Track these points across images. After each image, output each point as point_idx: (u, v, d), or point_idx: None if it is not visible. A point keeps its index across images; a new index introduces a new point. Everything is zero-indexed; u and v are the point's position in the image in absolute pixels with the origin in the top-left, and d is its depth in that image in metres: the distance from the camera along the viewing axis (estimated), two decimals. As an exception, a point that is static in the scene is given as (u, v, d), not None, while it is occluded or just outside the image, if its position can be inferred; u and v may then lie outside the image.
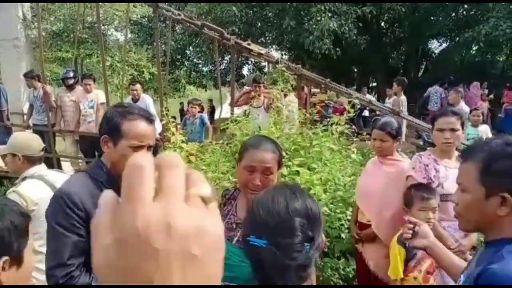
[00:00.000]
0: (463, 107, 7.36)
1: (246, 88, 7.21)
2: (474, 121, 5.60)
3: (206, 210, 0.41)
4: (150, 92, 15.36)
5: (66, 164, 7.38)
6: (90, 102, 6.80)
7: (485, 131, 5.82)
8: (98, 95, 6.86)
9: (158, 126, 5.94)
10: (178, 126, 4.91)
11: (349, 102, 4.66)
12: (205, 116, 7.51)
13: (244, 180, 1.81)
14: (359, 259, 3.16)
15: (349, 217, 3.49)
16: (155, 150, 1.77)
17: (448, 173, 2.68)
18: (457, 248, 2.58)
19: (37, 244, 2.66)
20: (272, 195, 1.15)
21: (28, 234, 1.30)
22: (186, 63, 18.76)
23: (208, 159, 4.04)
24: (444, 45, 19.80)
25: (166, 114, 5.02)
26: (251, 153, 1.81)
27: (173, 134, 4.39)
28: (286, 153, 3.71)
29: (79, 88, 6.98)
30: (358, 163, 4.26)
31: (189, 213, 0.38)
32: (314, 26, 12.09)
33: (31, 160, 2.82)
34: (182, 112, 16.79)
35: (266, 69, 12.22)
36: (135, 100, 6.82)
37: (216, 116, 12.54)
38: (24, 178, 2.76)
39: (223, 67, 17.49)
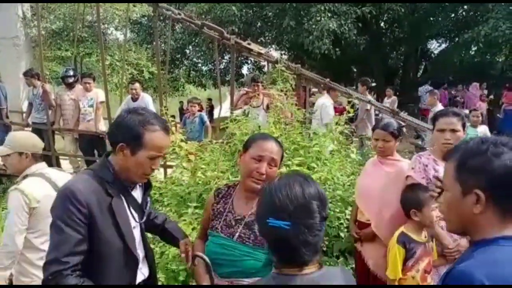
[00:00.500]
0: (438, 108, 7.39)
1: (243, 89, 7.21)
2: (473, 122, 5.61)
3: None
4: (150, 91, 15.37)
5: (65, 163, 7.38)
6: (89, 101, 6.81)
7: (484, 131, 5.83)
8: (97, 94, 6.87)
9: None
10: (178, 125, 4.91)
11: (349, 102, 4.68)
12: (205, 115, 7.52)
13: (250, 169, 1.87)
14: (358, 258, 3.16)
15: (348, 216, 3.50)
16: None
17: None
18: (455, 247, 2.60)
19: (38, 241, 2.66)
20: (288, 182, 1.28)
21: None
22: (185, 62, 18.75)
23: (208, 158, 4.05)
24: (443, 45, 19.82)
25: (166, 113, 5.02)
26: (260, 143, 1.91)
27: (173, 133, 4.40)
28: (286, 153, 3.72)
29: (78, 87, 6.99)
30: (358, 163, 4.28)
31: None
32: (313, 26, 12.09)
33: (36, 158, 2.83)
34: (181, 111, 16.78)
35: (265, 69, 12.23)
36: (135, 99, 6.83)
37: (216, 115, 12.55)
38: (25, 176, 2.75)
39: (223, 67, 17.49)
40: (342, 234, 3.53)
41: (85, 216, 1.64)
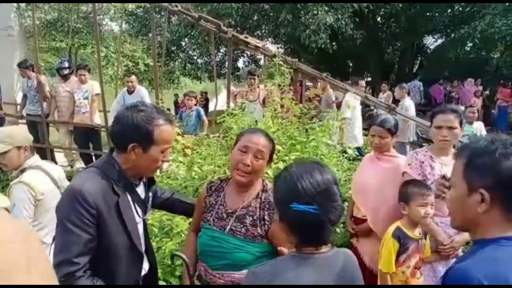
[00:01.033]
0: (406, 102, 7.41)
1: (234, 90, 7.20)
2: (469, 118, 5.63)
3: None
4: (145, 83, 15.28)
5: (59, 155, 7.33)
6: (84, 93, 6.75)
7: (479, 128, 5.85)
8: (93, 86, 6.81)
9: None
10: (173, 119, 4.89)
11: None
12: (201, 109, 7.49)
13: (236, 160, 1.90)
14: (353, 253, 3.17)
15: (344, 212, 3.51)
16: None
17: (444, 170, 2.69)
18: (449, 244, 2.62)
19: (42, 234, 2.68)
20: (307, 169, 1.39)
21: None
22: (181, 54, 18.64)
23: (204, 152, 4.04)
24: (439, 41, 19.87)
25: (162, 106, 5.00)
26: (247, 136, 1.96)
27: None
28: (282, 148, 3.72)
29: (73, 79, 6.93)
30: (354, 158, 4.28)
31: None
32: (310, 20, 12.06)
33: (32, 151, 2.85)
34: (176, 104, 16.70)
35: (262, 62, 12.18)
36: (131, 91, 6.78)
37: (211, 108, 12.50)
38: (23, 170, 2.75)
39: (218, 59, 17.41)
40: (338, 230, 3.54)
41: (93, 217, 1.63)
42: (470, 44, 15.24)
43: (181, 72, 19.96)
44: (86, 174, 1.77)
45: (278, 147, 3.66)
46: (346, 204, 3.45)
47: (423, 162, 2.75)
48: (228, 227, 1.88)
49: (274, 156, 3.53)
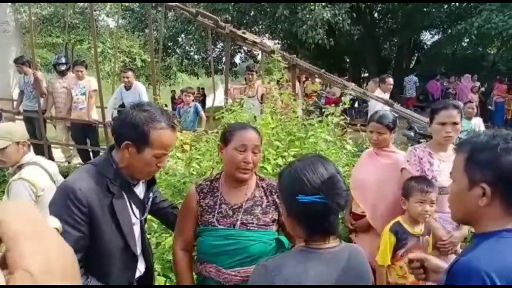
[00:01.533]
0: (378, 95, 7.40)
1: (230, 86, 7.18)
2: (468, 114, 5.63)
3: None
4: (142, 79, 15.23)
5: (57, 151, 7.32)
6: (82, 89, 6.72)
7: (478, 123, 5.86)
8: (90, 82, 6.78)
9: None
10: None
11: (342, 93, 4.67)
12: (199, 105, 7.47)
13: (236, 160, 1.89)
14: (352, 249, 3.19)
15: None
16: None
17: (442, 166, 2.70)
18: (448, 239, 2.63)
19: None
20: (310, 162, 1.41)
21: None
22: (178, 50, 18.59)
23: (203, 148, 4.03)
24: (436, 37, 19.90)
25: (159, 102, 4.98)
26: (241, 134, 1.93)
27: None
28: (281, 144, 3.72)
29: (70, 75, 6.89)
30: (352, 154, 4.28)
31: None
32: (307, 15, 12.04)
33: (29, 146, 2.86)
34: (173, 100, 16.66)
35: (259, 57, 12.11)
36: (128, 87, 6.75)
37: (209, 104, 12.48)
38: (20, 166, 2.75)
39: (215, 55, 17.37)
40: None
41: (85, 215, 1.61)
42: (467, 40, 15.30)
43: (178, 68, 19.90)
44: (81, 172, 1.73)
45: (277, 143, 3.66)
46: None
47: (421, 158, 2.76)
48: (238, 222, 1.88)
49: (274, 152, 3.56)
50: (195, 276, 2.06)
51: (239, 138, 1.91)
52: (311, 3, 12.09)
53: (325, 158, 1.46)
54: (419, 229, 2.56)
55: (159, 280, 2.85)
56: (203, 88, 18.83)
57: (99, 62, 7.88)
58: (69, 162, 7.11)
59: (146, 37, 15.10)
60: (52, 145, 7.19)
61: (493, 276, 1.08)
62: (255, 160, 1.92)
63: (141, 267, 1.94)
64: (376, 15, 17.69)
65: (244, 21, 14.72)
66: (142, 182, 1.91)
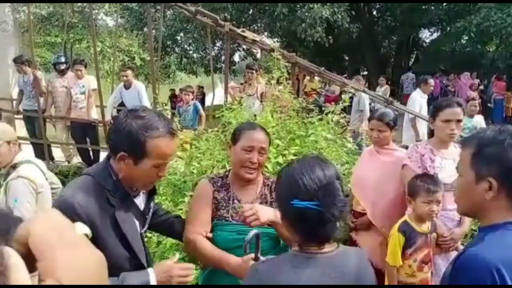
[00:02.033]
0: (362, 94, 7.40)
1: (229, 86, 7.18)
2: (470, 112, 5.62)
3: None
4: (141, 78, 15.21)
5: (56, 151, 7.31)
6: (81, 88, 6.71)
7: (479, 121, 5.85)
8: (89, 81, 6.77)
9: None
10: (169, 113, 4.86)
11: (343, 91, 4.67)
12: (199, 103, 7.47)
13: (242, 159, 1.95)
14: (353, 246, 3.19)
15: (347, 207, 3.51)
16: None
17: (444, 163, 2.71)
18: (449, 236, 2.64)
19: None
20: (308, 165, 1.35)
21: None
22: (176, 49, 18.54)
23: (203, 147, 4.03)
24: (435, 34, 19.88)
25: (158, 101, 4.97)
26: (248, 134, 1.98)
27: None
28: (282, 142, 3.72)
29: (70, 74, 6.89)
30: (353, 152, 4.28)
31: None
32: (306, 13, 12.03)
33: (19, 145, 2.87)
34: (171, 99, 16.61)
35: (258, 56, 12.10)
36: (127, 86, 6.73)
37: (208, 103, 12.47)
38: (15, 166, 2.73)
39: (214, 54, 17.33)
40: (337, 223, 3.54)
41: None
42: (466, 38, 15.27)
43: (177, 67, 19.87)
44: (78, 184, 1.61)
45: (277, 141, 3.66)
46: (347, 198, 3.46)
47: (423, 155, 2.77)
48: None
49: (274, 151, 3.56)
50: (203, 271, 2.07)
51: (247, 138, 1.97)
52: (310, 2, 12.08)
53: (325, 160, 1.41)
54: (426, 227, 2.54)
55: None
56: (202, 87, 18.79)
57: (98, 61, 7.87)
58: (69, 162, 7.11)
59: (145, 35, 15.06)
60: (52, 145, 7.18)
61: (500, 267, 1.10)
62: (261, 161, 1.96)
63: None
64: (374, 12, 17.68)
65: (243, 20, 14.69)
66: (143, 192, 1.80)
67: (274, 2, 12.99)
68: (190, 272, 1.67)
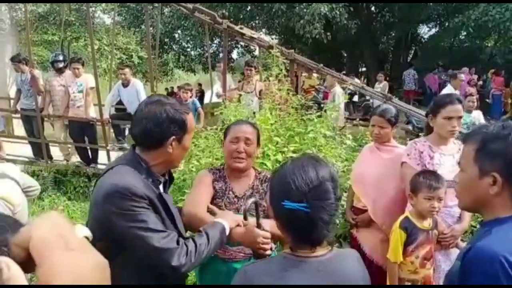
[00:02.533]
0: (337, 90, 7.38)
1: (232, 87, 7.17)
2: (468, 107, 5.62)
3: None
4: (139, 76, 15.18)
5: (55, 149, 7.29)
6: (79, 86, 6.69)
7: (477, 116, 5.85)
8: (87, 79, 6.74)
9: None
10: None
11: (342, 88, 4.66)
12: (197, 101, 7.45)
13: (230, 150, 2.15)
14: (353, 243, 3.19)
15: (343, 203, 3.51)
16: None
17: (443, 160, 2.70)
18: (449, 233, 2.63)
19: None
20: (301, 165, 1.32)
21: None
22: (174, 46, 18.50)
23: (202, 145, 4.02)
24: (433, 30, 19.86)
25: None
26: (234, 128, 2.21)
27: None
28: (281, 139, 3.71)
29: (68, 72, 6.85)
30: (351, 149, 4.28)
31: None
32: (305, 10, 12.00)
33: None
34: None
35: (256, 53, 12.06)
36: (125, 84, 6.72)
37: (206, 100, 12.45)
38: None
39: (212, 51, 17.30)
40: (337, 220, 3.55)
41: (150, 208, 1.57)
42: (464, 33, 15.25)
43: (174, 65, 19.82)
44: (121, 171, 1.64)
45: (276, 138, 3.66)
46: (345, 194, 3.47)
47: (422, 152, 2.75)
48: (242, 208, 2.03)
49: (273, 148, 3.55)
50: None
51: (233, 131, 2.19)
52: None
53: (320, 160, 1.37)
54: (428, 223, 2.53)
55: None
56: (200, 84, 18.75)
57: (95, 59, 7.84)
58: (67, 160, 7.09)
59: (143, 33, 15.03)
60: (50, 144, 7.16)
61: (510, 259, 1.10)
62: (248, 150, 2.14)
63: None
64: (373, 8, 17.63)
65: (241, 16, 14.66)
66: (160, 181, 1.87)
67: (273, 2, 12.95)
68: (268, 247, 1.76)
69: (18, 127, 8.28)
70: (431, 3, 15.44)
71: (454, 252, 2.66)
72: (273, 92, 4.18)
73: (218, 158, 3.83)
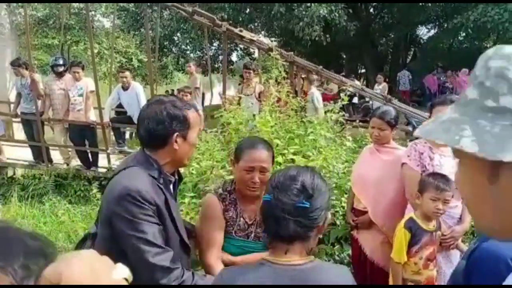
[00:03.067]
0: (315, 93, 7.32)
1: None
2: None
3: None
4: (138, 79, 15.19)
5: (55, 153, 7.29)
6: (79, 90, 6.70)
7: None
8: (87, 83, 6.76)
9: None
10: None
11: (342, 90, 4.66)
12: (196, 104, 7.46)
13: (244, 179, 1.97)
14: (354, 245, 3.19)
15: (343, 204, 3.52)
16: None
17: (443, 161, 2.70)
18: (450, 234, 2.64)
19: None
20: (293, 168, 1.43)
21: None
22: (174, 49, 18.52)
23: (203, 148, 4.03)
24: (432, 31, 19.88)
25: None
26: (249, 154, 1.97)
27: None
28: (281, 141, 3.72)
29: (68, 76, 6.87)
30: (352, 150, 4.29)
31: None
32: (304, 12, 12.02)
33: None
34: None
35: (255, 55, 12.07)
36: (125, 88, 6.74)
37: (206, 103, 12.45)
38: None
39: (211, 54, 17.32)
40: (338, 222, 3.55)
41: (155, 213, 1.61)
42: (463, 34, 15.27)
43: (174, 67, 19.84)
44: (132, 173, 1.68)
45: (276, 141, 3.66)
46: (346, 196, 3.48)
47: (422, 153, 2.75)
48: (252, 235, 2.02)
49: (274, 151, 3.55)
50: None
51: (247, 158, 1.96)
52: None
53: (312, 170, 1.41)
54: (432, 225, 2.52)
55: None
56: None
57: (95, 63, 7.86)
58: (67, 164, 7.10)
59: (142, 36, 15.06)
60: (50, 147, 7.17)
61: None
62: (263, 179, 1.93)
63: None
64: (372, 10, 17.66)
65: (240, 19, 14.67)
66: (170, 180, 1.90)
67: (272, 2, 12.97)
68: None
69: (18, 131, 8.29)
70: (429, 3, 15.46)
71: (455, 254, 2.66)
72: (273, 94, 4.19)
73: (218, 161, 3.84)
